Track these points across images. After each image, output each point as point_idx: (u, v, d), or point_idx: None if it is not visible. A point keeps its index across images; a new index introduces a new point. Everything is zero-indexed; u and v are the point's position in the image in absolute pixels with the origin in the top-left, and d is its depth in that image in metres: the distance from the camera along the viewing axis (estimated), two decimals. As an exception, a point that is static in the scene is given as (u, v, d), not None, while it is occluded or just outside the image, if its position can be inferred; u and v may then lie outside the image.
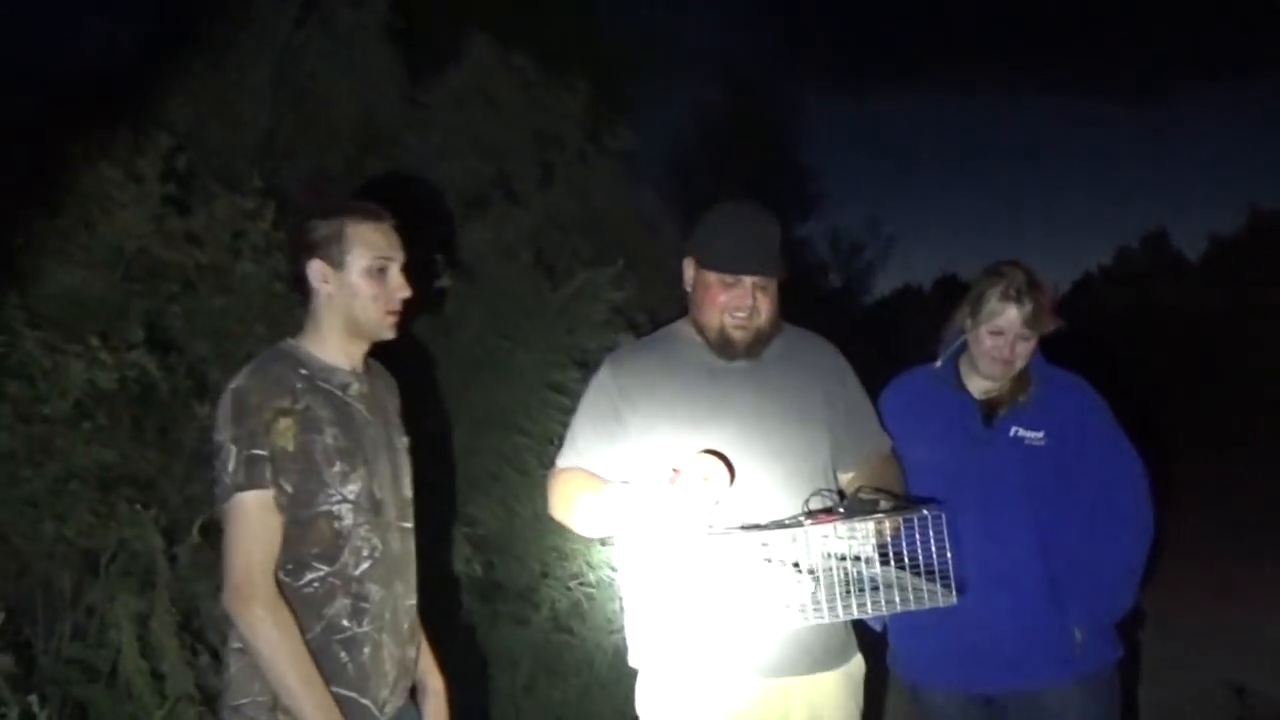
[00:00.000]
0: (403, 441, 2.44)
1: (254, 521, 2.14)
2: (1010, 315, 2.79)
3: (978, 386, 2.89)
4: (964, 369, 2.91)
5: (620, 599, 2.53)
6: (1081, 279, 24.54)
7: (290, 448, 2.16)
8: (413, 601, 2.41)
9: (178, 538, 3.27)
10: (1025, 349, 2.80)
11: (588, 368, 4.28)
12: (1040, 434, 2.79)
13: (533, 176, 5.17)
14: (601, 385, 2.63)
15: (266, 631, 2.11)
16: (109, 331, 3.24)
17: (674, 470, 2.22)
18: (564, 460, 2.64)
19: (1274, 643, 5.89)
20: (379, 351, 2.47)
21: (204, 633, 3.27)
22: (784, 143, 18.75)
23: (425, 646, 2.53)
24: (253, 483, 2.14)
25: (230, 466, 2.15)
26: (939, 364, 2.94)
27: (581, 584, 4.40)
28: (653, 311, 4.91)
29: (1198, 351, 15.91)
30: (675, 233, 5.83)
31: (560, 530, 4.10)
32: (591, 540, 4.11)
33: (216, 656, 3.27)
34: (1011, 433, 2.80)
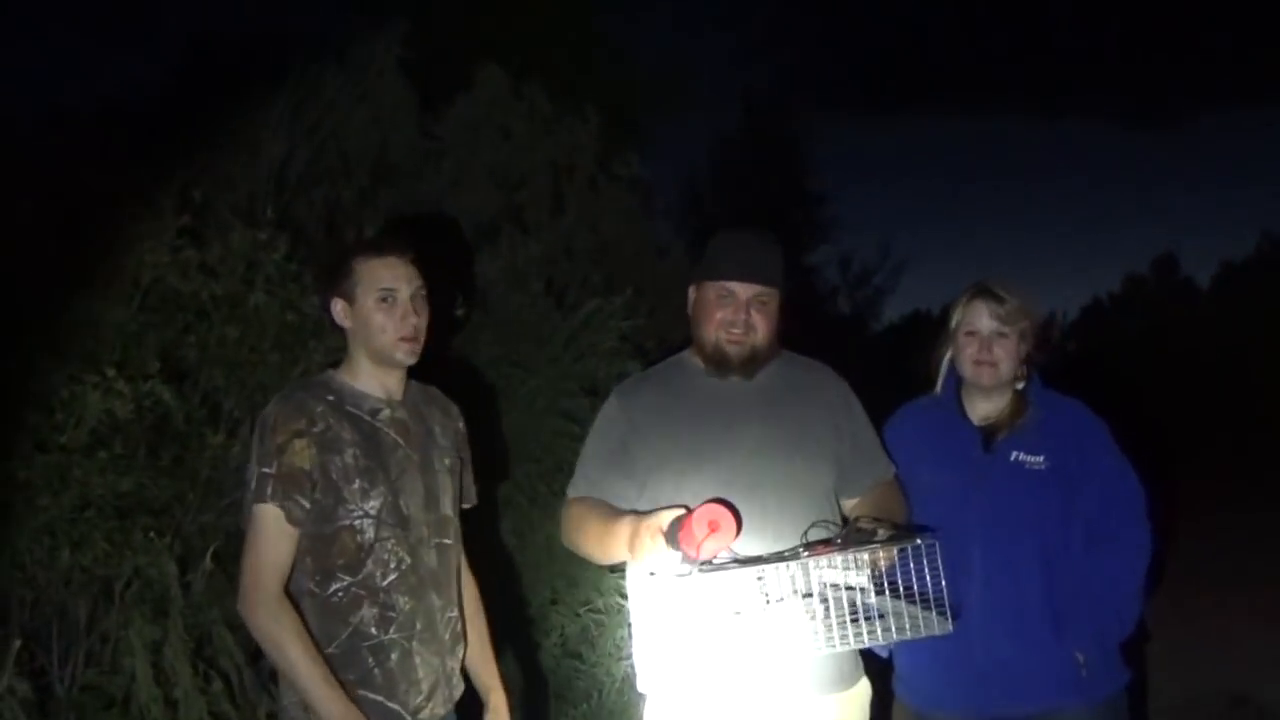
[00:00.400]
0: (445, 463, 2.57)
1: (261, 532, 2.33)
2: (979, 311, 2.82)
3: (978, 412, 2.91)
4: (964, 396, 2.93)
5: (629, 625, 2.53)
6: (1091, 304, 24.52)
7: (306, 466, 2.33)
8: (454, 614, 2.55)
9: (192, 565, 3.31)
10: (1005, 348, 2.81)
11: (598, 395, 4.32)
12: (1040, 458, 2.79)
13: (544, 206, 5.23)
14: (610, 416, 2.67)
15: (268, 632, 2.29)
16: (125, 361, 3.29)
17: (684, 508, 2.22)
18: (575, 489, 2.67)
19: (1270, 657, 5.90)
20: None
21: (217, 659, 3.30)
22: (797, 170, 18.80)
23: (488, 660, 2.70)
24: (259, 497, 2.33)
25: (251, 484, 2.35)
26: (938, 391, 2.97)
27: (591, 610, 4.42)
28: (662, 339, 4.94)
29: (1207, 376, 15.88)
30: (685, 261, 5.88)
31: (570, 557, 4.11)
32: (601, 567, 4.14)
33: (229, 682, 3.30)
34: (1012, 457, 2.81)
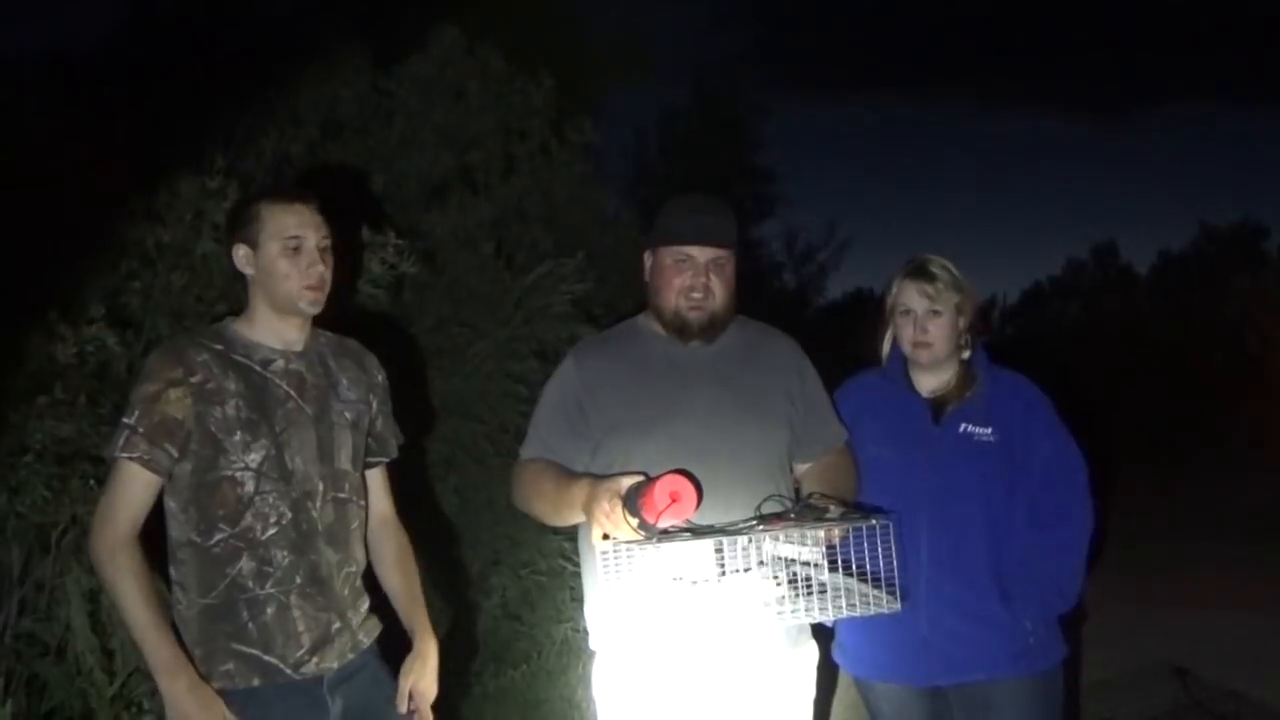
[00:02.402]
0: (347, 417, 2.53)
1: (115, 483, 2.32)
2: (910, 293, 2.87)
3: (925, 385, 2.94)
4: (910, 369, 2.97)
5: (570, 588, 2.56)
6: (1032, 288, 24.82)
7: (180, 415, 2.30)
8: (353, 569, 2.53)
9: (130, 515, 3.26)
10: (939, 326, 2.85)
11: (546, 358, 4.32)
12: (989, 430, 2.84)
13: (496, 168, 5.20)
14: (565, 378, 2.66)
15: (105, 570, 2.29)
16: (68, 306, 3.23)
17: (644, 475, 2.23)
18: (528, 451, 2.67)
19: (1211, 634, 6.09)
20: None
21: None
22: (747, 145, 18.80)
23: (418, 606, 2.69)
24: (114, 449, 2.31)
25: (115, 432, 2.34)
26: (885, 365, 3.00)
27: (533, 572, 4.43)
28: (610, 305, 4.95)
29: (1143, 362, 16.17)
30: (635, 229, 5.89)
31: (513, 518, 4.13)
32: (544, 529, 4.14)
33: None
34: (961, 429, 2.85)
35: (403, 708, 2.57)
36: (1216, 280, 17.99)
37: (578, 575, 2.77)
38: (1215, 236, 22.08)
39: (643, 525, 2.13)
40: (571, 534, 2.80)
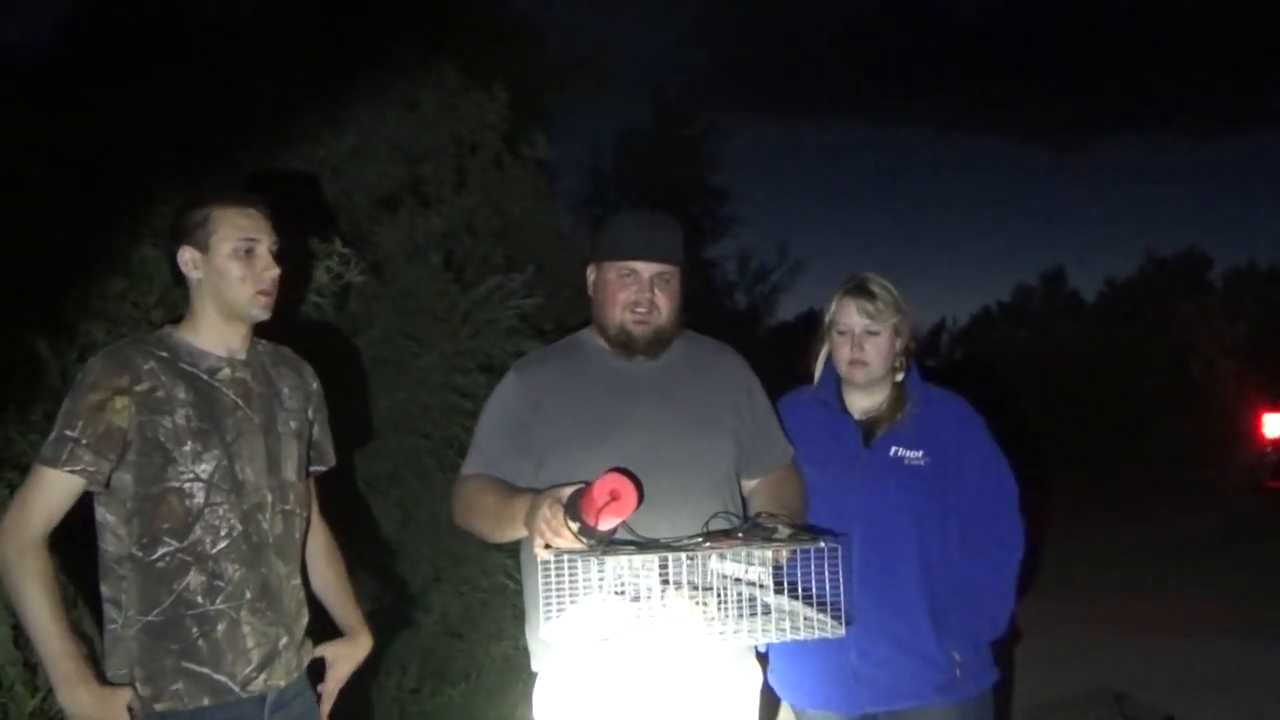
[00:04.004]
0: (291, 426, 2.49)
1: (37, 488, 2.23)
2: (849, 310, 2.85)
3: (857, 407, 2.92)
4: (843, 390, 2.95)
5: (512, 606, 2.52)
6: (980, 313, 25.13)
7: (123, 425, 2.24)
8: (298, 581, 2.49)
9: (57, 525, 3.18)
10: (876, 346, 2.83)
11: (493, 373, 4.28)
12: (919, 453, 2.82)
13: (447, 181, 5.16)
14: (509, 393, 2.64)
15: (10, 567, 2.19)
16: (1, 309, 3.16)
17: (584, 483, 2.21)
18: (470, 467, 2.63)
19: (1149, 657, 6.18)
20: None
21: (81, 622, 3.19)
22: (703, 165, 18.87)
23: (348, 601, 2.69)
24: (46, 460, 2.23)
25: (51, 436, 2.25)
26: (816, 384, 2.98)
27: (475, 589, 4.38)
28: (560, 320, 4.92)
29: (1088, 387, 16.39)
30: (586, 246, 5.86)
31: (456, 535, 4.08)
32: (487, 547, 4.10)
33: (92, 648, 3.19)
34: (891, 452, 2.83)
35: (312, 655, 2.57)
36: (1161, 308, 18.33)
37: (520, 593, 2.74)
38: (1161, 265, 22.52)
39: (584, 530, 2.10)
40: (514, 551, 2.77)
